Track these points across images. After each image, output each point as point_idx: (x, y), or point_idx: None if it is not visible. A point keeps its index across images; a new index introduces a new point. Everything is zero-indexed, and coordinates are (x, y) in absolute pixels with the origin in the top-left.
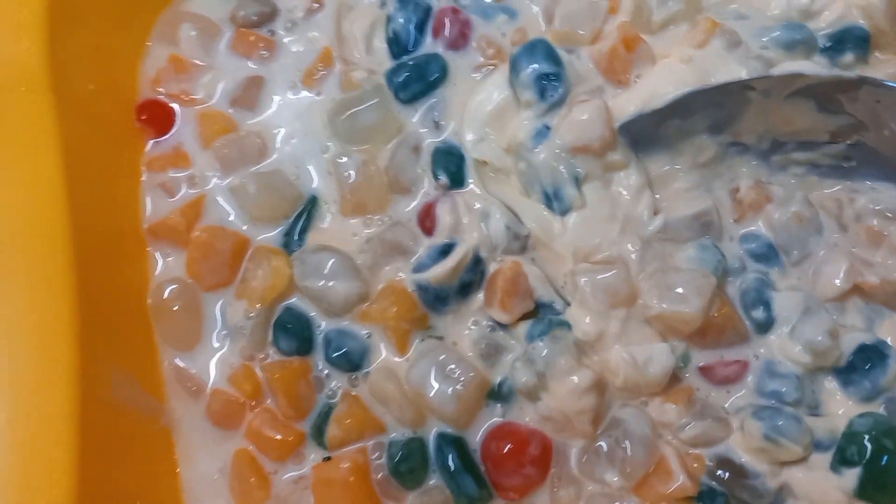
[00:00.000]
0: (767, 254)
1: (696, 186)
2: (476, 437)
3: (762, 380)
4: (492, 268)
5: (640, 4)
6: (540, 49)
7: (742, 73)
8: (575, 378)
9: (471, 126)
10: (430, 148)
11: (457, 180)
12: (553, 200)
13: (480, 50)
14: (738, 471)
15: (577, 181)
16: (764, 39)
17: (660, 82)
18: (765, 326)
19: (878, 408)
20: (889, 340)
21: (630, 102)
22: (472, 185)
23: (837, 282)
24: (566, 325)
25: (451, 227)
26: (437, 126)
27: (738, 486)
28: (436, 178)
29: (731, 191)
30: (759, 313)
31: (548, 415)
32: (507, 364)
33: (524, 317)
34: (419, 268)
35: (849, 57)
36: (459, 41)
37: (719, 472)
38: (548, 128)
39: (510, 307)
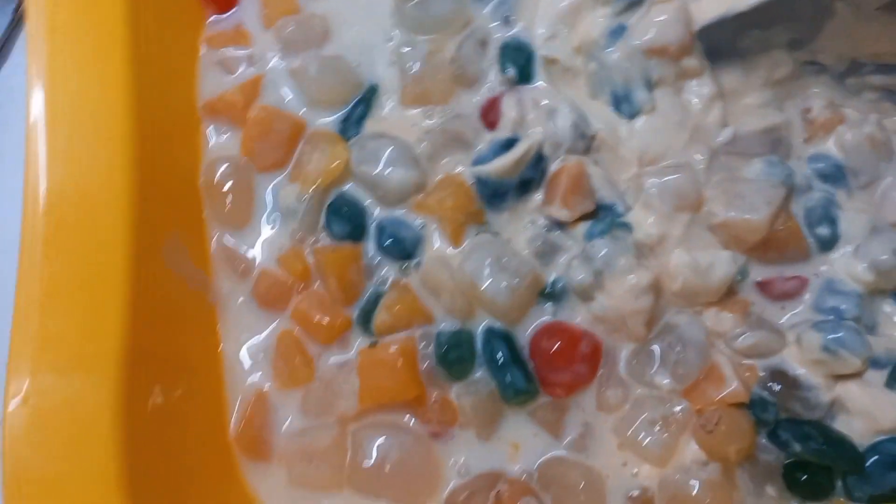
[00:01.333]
0: (836, 174)
1: (767, 103)
2: (525, 334)
3: (821, 297)
4: (553, 167)
5: None
6: None
7: None
8: (633, 277)
9: (543, 21)
10: (498, 43)
11: (525, 76)
12: (622, 103)
13: None
14: (792, 382)
15: (649, 84)
16: None
17: None
18: (829, 243)
19: None
20: None
21: (712, 6)
22: (540, 82)
23: None
24: (626, 227)
25: (515, 122)
26: (506, 21)
27: (790, 397)
28: (503, 71)
29: (802, 110)
30: (824, 230)
31: (602, 315)
32: (562, 265)
33: (582, 218)
34: (479, 160)
35: None
36: None
37: (772, 383)
38: (623, 27)
39: (572, 205)
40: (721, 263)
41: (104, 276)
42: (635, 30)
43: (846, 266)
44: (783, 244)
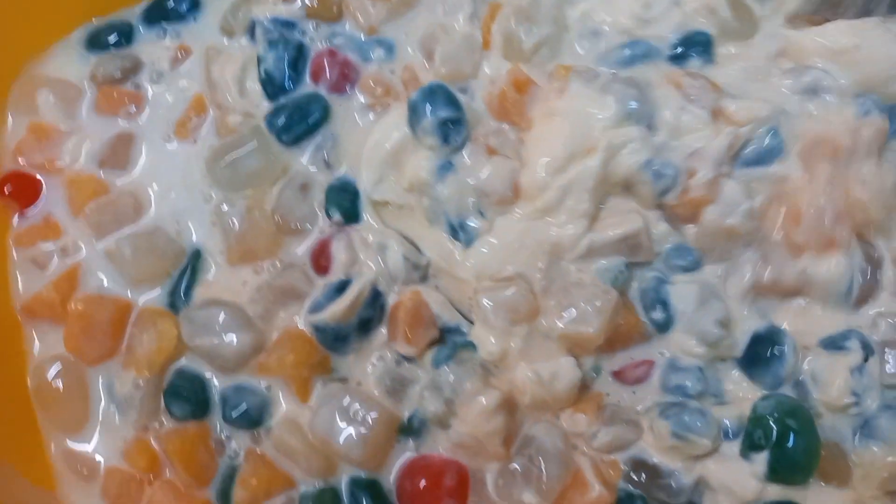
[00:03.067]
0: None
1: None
2: (391, 477)
3: (666, 376)
4: (391, 300)
5: (509, 35)
6: (439, 94)
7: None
8: (482, 399)
9: (369, 167)
10: (321, 186)
11: (351, 216)
12: (459, 231)
13: (368, 90)
14: (653, 471)
15: (482, 212)
16: (615, 62)
17: (546, 146)
18: (665, 325)
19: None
20: (784, 326)
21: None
22: (367, 219)
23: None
24: (471, 347)
25: (347, 264)
26: (327, 164)
27: (654, 486)
28: (328, 215)
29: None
30: (657, 314)
31: (459, 441)
32: (416, 396)
33: (431, 344)
34: (315, 308)
35: (695, 61)
36: (342, 83)
37: (635, 475)
38: (451, 164)
39: (415, 339)
40: (564, 371)
41: None
42: (464, 168)
43: (681, 343)
44: (626, 336)
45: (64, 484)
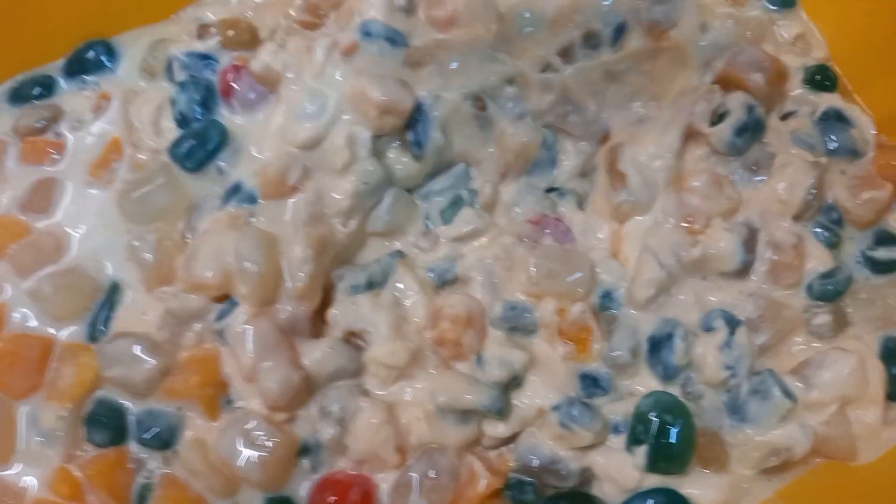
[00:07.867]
0: None
1: None
2: (302, 494)
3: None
4: None
5: None
6: None
7: None
8: (367, 412)
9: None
10: None
11: None
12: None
13: None
14: (543, 458)
15: None
16: None
17: None
18: None
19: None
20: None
21: None
22: None
23: None
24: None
25: None
26: (222, 176)
27: (544, 471)
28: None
29: None
30: None
31: (358, 458)
32: (311, 422)
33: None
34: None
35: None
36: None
37: (525, 461)
38: None
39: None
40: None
41: None
42: None
43: None
44: None
45: None
